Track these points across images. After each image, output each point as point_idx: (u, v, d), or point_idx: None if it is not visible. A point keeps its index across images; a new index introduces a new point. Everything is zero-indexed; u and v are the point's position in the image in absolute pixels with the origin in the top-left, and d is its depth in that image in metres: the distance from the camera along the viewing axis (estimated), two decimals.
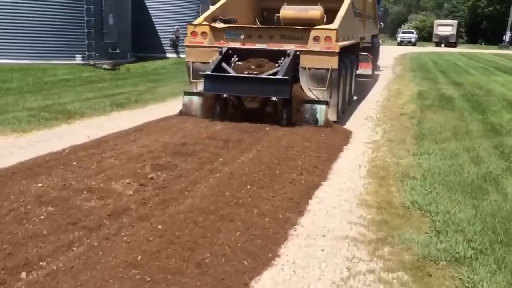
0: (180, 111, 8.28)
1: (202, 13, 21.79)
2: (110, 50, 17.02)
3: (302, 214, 4.28)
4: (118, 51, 17.34)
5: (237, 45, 8.15)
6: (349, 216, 4.29)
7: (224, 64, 7.93)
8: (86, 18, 16.09)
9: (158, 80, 13.15)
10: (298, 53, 7.79)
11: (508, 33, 49.86)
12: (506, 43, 49.06)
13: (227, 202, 4.36)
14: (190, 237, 3.66)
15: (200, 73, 7.86)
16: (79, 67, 15.14)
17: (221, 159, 5.61)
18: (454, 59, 27.79)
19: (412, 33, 55.06)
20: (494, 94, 12.06)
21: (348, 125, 8.14)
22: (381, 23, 16.63)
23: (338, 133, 7.40)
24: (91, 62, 16.00)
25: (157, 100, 10.14)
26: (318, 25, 8.28)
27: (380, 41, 18.08)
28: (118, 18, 17.46)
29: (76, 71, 14.24)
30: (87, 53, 16.25)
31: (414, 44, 51.06)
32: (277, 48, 7.92)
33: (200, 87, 8.06)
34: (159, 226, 3.81)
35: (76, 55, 16.17)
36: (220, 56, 8.01)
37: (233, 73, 7.79)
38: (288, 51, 7.77)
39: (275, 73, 7.58)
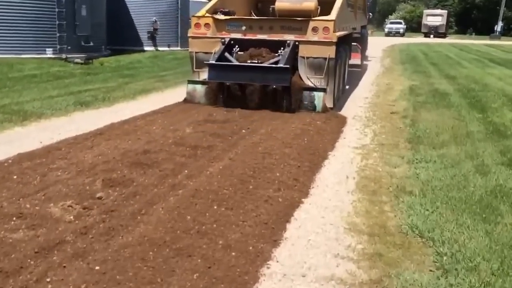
0: (185, 99, 8.72)
1: (181, 5, 21.05)
2: (83, 43, 16.06)
3: (277, 244, 3.55)
4: (91, 44, 16.38)
5: (238, 35, 8.57)
6: (335, 246, 3.58)
7: (226, 54, 8.38)
8: (57, 9, 15.08)
9: (131, 75, 12.31)
10: (297, 43, 8.20)
11: (500, 23, 49.53)
12: (497, 33, 48.73)
13: (187, 229, 3.61)
14: (134, 283, 2.92)
15: (205, 62, 8.33)
16: (49, 61, 14.18)
17: (186, 171, 4.86)
18: (445, 50, 27.24)
19: (400, 23, 54.57)
20: (491, 89, 11.43)
21: (335, 127, 7.42)
22: (370, 14, 16.78)
23: (323, 135, 6.68)
24: (63, 56, 15.06)
25: (127, 98, 9.33)
26: (313, 16, 8.47)
27: (368, 32, 17.68)
28: (91, 9, 16.48)
29: (45, 66, 13.31)
30: (58, 46, 15.27)
31: (402, 35, 50.59)
32: (277, 39, 8.33)
33: (202, 76, 8.59)
34: (97, 267, 3.07)
35: (47, 49, 15.18)
36: (223, 46, 8.43)
37: (235, 62, 8.25)
38: (288, 41, 8.20)
39: (275, 62, 7.99)
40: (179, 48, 20.51)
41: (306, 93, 8.10)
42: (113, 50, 17.98)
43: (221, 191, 4.37)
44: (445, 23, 51.46)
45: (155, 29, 19.53)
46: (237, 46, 8.54)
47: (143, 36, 19.80)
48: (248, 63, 8.17)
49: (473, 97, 10.09)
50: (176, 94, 9.83)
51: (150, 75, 12.51)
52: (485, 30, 54.58)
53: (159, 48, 19.92)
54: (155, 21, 19.44)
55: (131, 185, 4.39)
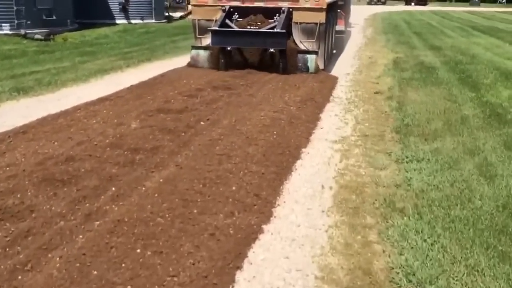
0: (188, 63, 9.00)
1: None
2: (44, 17, 14.41)
3: None
4: (54, 18, 14.72)
5: (237, 3, 8.86)
6: None
7: (227, 21, 8.64)
8: None
9: (92, 53, 10.83)
10: (291, 10, 8.56)
11: None
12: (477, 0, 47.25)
13: None
14: None
15: (208, 28, 8.56)
16: (4, 38, 12.58)
17: (114, 189, 3.61)
18: (427, 18, 25.88)
19: None
20: (480, 60, 10.23)
21: (311, 111, 6.17)
22: None
23: (296, 126, 5.44)
24: (21, 31, 13.46)
25: (78, 81, 7.93)
26: None
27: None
28: None
29: None
30: (16, 21, 13.65)
31: (384, 3, 48.86)
32: (272, 6, 8.67)
33: (204, 42, 8.91)
34: None
35: (3, 24, 13.55)
36: (224, 14, 8.71)
37: (236, 29, 8.53)
38: (283, 8, 8.56)
39: (272, 28, 8.37)
40: (153, 21, 18.86)
41: (300, 55, 8.47)
42: (82, 24, 16.32)
43: (153, 220, 3.16)
44: None
45: (127, 1, 17.80)
46: (236, 13, 8.85)
47: (115, 8, 18.08)
48: (248, 29, 8.52)
49: (463, 72, 8.89)
50: (137, 74, 8.49)
51: (113, 52, 11.05)
52: None
53: (132, 21, 18.24)
54: None
55: (28, 217, 3.14)
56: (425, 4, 48.03)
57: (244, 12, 8.82)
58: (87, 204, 3.36)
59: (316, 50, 8.56)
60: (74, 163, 4.06)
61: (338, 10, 12.15)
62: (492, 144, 4.81)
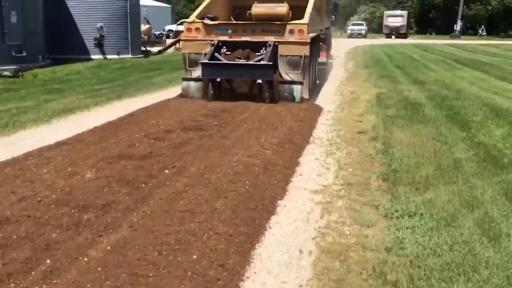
0: (180, 94, 9.49)
1: (131, 9, 18.99)
2: (14, 54, 13.93)
3: None
4: (24, 54, 14.24)
5: (225, 38, 9.40)
6: None
7: (216, 54, 9.16)
8: None
9: (60, 91, 10.29)
10: (276, 43, 9.13)
11: (459, 22, 49.10)
12: (457, 32, 48.28)
13: None
14: None
15: (199, 61, 9.09)
16: None
17: (48, 261, 3.02)
18: (408, 51, 26.06)
19: (362, 25, 53.58)
20: (467, 96, 9.97)
21: (289, 155, 5.69)
22: (333, 16, 18.03)
23: (272, 172, 4.94)
24: None
25: (39, 122, 7.35)
26: (285, 20, 9.40)
27: (338, 33, 19.71)
28: (23, 16, 14.31)
29: None
30: None
31: (364, 36, 49.62)
32: (259, 40, 9.23)
33: (194, 74, 9.44)
34: None
35: None
36: (213, 48, 9.22)
37: (225, 61, 9.06)
38: (269, 42, 9.12)
39: (259, 60, 8.90)
40: (129, 56, 18.50)
41: (286, 86, 9.04)
42: (55, 60, 15.84)
43: None
44: (405, 23, 50.78)
45: (102, 36, 17.44)
46: (224, 47, 9.36)
47: (90, 43, 17.69)
48: (236, 61, 9.05)
49: (450, 108, 8.56)
50: (104, 113, 7.98)
51: (82, 89, 10.52)
52: (445, 29, 54.27)
53: (108, 56, 17.84)
54: (101, 27, 17.35)
55: None
56: (405, 37, 48.93)
57: (232, 46, 9.36)
58: (11, 285, 2.76)
59: (302, 80, 9.10)
60: (8, 226, 3.46)
61: (320, 43, 12.77)
62: (491, 194, 4.35)
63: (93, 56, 17.57)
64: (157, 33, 38.83)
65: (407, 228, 3.66)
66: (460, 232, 3.58)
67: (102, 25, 17.32)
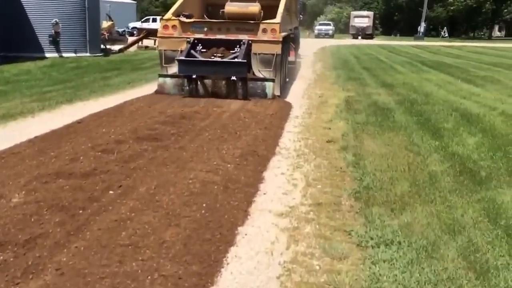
0: (156, 90, 9.61)
1: (90, 4, 18.03)
2: None
3: None
4: None
5: (201, 36, 9.67)
6: None
7: (192, 51, 9.42)
8: None
9: (3, 93, 9.33)
10: (250, 42, 9.44)
11: (423, 24, 49.85)
12: (421, 34, 49.01)
13: None
14: None
15: (176, 58, 9.29)
16: None
17: None
18: (375, 52, 26.03)
19: (329, 25, 53.78)
20: (436, 100, 9.70)
21: (252, 169, 5.16)
22: (301, 16, 18.20)
23: (233, 192, 4.40)
24: None
25: None
26: (257, 19, 9.70)
27: (306, 34, 21.21)
28: None
29: None
30: None
31: (331, 36, 49.77)
32: (233, 38, 9.53)
33: (170, 70, 9.63)
34: None
35: None
36: (189, 45, 9.47)
37: (201, 58, 9.34)
38: (243, 41, 9.43)
39: (234, 58, 9.20)
40: (87, 54, 17.54)
41: (258, 83, 9.38)
42: (6, 58, 14.75)
43: None
44: (371, 24, 51.26)
45: (57, 33, 16.43)
46: (200, 45, 9.59)
47: (44, 40, 16.65)
48: (212, 58, 9.35)
49: (420, 114, 8.24)
50: (50, 119, 7.23)
51: (30, 91, 9.67)
52: (409, 31, 55.10)
53: (64, 55, 16.85)
54: (56, 23, 16.34)
55: None
56: (371, 38, 49.33)
57: (207, 43, 9.65)
58: None
59: (273, 78, 9.46)
60: None
61: (290, 43, 13.00)
62: (472, 216, 3.95)
63: (47, 54, 16.54)
64: (120, 30, 37.66)
65: (384, 261, 3.19)
66: (443, 266, 3.14)
67: (58, 20, 16.31)
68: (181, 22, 9.72)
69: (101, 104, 8.60)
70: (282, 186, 4.74)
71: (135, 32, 34.65)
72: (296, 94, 10.69)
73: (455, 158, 5.59)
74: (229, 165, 5.09)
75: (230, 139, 6.20)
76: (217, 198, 4.18)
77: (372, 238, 3.54)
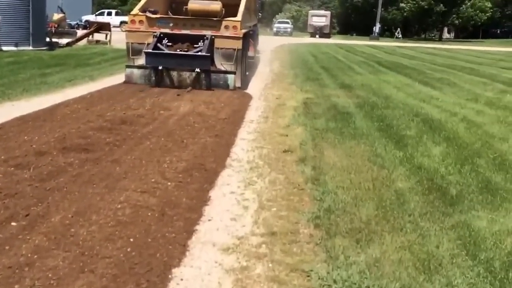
0: (124, 81, 10.10)
1: None
2: None
3: None
4: None
5: (167, 30, 10.23)
6: None
7: (159, 45, 9.95)
8: None
9: None
10: (213, 37, 10.03)
11: (378, 25, 50.38)
12: (376, 34, 49.51)
13: None
14: None
15: (144, 50, 9.86)
16: None
17: None
18: (333, 52, 25.75)
19: (288, 23, 53.45)
20: (396, 104, 9.24)
21: (197, 188, 4.40)
22: (260, 14, 19.71)
23: (170, 218, 3.62)
24: None
25: None
26: (219, 16, 10.38)
27: (266, 30, 21.76)
28: None
29: None
30: None
31: (290, 34, 49.40)
32: (197, 33, 10.13)
33: (137, 62, 10.14)
34: None
35: None
36: (156, 39, 10.00)
37: (168, 51, 9.93)
38: (206, 36, 10.01)
39: (198, 52, 9.84)
40: (30, 48, 16.13)
41: (221, 75, 10.03)
42: None
43: None
44: (329, 23, 51.36)
45: None
46: (166, 39, 10.14)
47: None
48: (178, 52, 9.99)
49: (381, 119, 7.71)
50: None
51: None
52: (364, 31, 55.62)
53: (4, 48, 15.36)
54: None
55: None
56: (329, 37, 49.38)
57: (172, 38, 10.20)
58: None
59: (235, 71, 10.09)
60: None
61: (250, 40, 13.42)
62: (448, 247, 3.36)
63: None
64: (73, 23, 35.75)
65: None
66: None
67: None
68: (148, 17, 10.27)
69: (33, 105, 7.57)
70: (230, 209, 4.00)
71: (87, 26, 32.84)
72: (253, 95, 9.98)
73: (421, 172, 5.03)
74: (169, 183, 4.31)
75: (175, 149, 5.41)
76: (149, 229, 3.40)
77: (335, 282, 2.88)
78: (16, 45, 15.71)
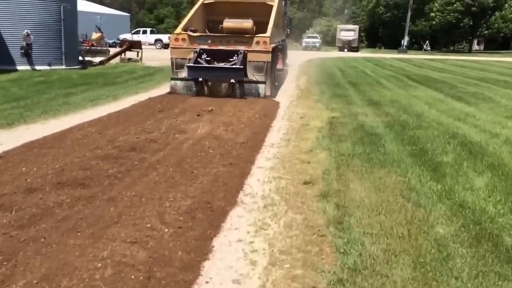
0: (169, 91, 11.14)
1: (65, 15, 16.37)
2: None
3: None
4: None
5: (205, 47, 11.20)
6: None
7: (199, 59, 11.00)
8: None
9: None
10: (246, 51, 10.97)
11: (406, 38, 48.75)
12: (404, 47, 47.88)
13: None
14: None
15: (186, 65, 10.99)
16: None
17: None
18: (361, 65, 24.65)
19: (316, 37, 52.46)
20: (429, 122, 8.23)
21: (198, 236, 3.61)
22: (288, 30, 19.89)
23: None
24: None
25: None
26: (250, 33, 11.29)
27: (293, 44, 22.56)
28: None
29: None
30: None
31: (318, 49, 48.39)
32: (232, 49, 11.09)
33: (180, 75, 11.24)
34: None
35: None
36: (196, 54, 11.03)
37: (207, 65, 10.95)
38: (240, 51, 10.98)
39: (233, 65, 10.82)
40: (63, 67, 15.90)
41: (253, 85, 10.83)
42: None
43: None
44: (357, 37, 50.08)
45: (28, 44, 14.79)
46: (205, 54, 11.02)
47: (16, 52, 14.99)
48: (215, 65, 10.92)
49: (413, 142, 6.75)
50: None
51: None
52: (392, 44, 54.07)
53: (37, 67, 15.20)
54: (27, 35, 14.69)
55: None
56: (357, 51, 48.12)
57: (211, 53, 11.11)
58: None
59: (265, 81, 10.93)
60: None
61: (278, 53, 14.58)
62: None
63: (19, 67, 14.89)
64: (110, 41, 36.01)
65: None
66: None
67: (29, 32, 14.68)
68: (189, 36, 11.26)
69: (48, 128, 7.02)
70: (235, 265, 3.19)
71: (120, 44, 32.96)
72: (276, 114, 9.18)
73: (465, 212, 4.09)
74: (166, 230, 3.54)
75: (182, 182, 4.66)
76: None
77: None
78: (49, 64, 15.51)
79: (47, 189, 4.20)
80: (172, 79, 11.23)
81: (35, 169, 4.81)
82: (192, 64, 10.79)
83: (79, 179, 4.48)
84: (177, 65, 11.22)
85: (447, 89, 13.86)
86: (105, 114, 8.18)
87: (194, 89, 10.82)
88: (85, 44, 22.99)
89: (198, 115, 8.41)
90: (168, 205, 4.03)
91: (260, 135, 7.17)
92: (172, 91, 11.04)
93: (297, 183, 4.93)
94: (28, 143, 5.96)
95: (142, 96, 10.77)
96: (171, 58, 11.31)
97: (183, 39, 11.22)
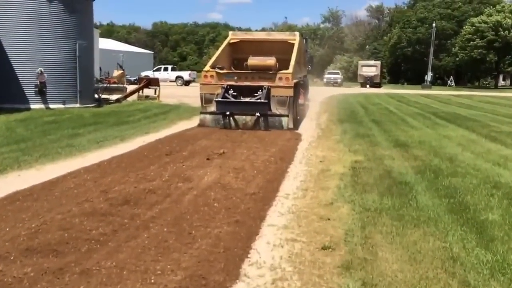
0: (198, 124, 12.01)
1: (81, 52, 16.27)
2: None
3: None
4: None
5: (232, 83, 12.14)
6: None
7: (226, 94, 11.92)
8: None
9: None
10: (269, 87, 11.80)
11: (430, 73, 47.97)
12: (428, 82, 47.03)
13: None
14: None
15: (215, 100, 11.82)
16: None
17: None
18: (384, 102, 23.91)
19: (338, 73, 52.19)
20: (464, 168, 7.36)
21: None
22: (309, 66, 21.45)
23: None
24: None
25: None
26: (273, 70, 12.32)
27: (313, 80, 23.37)
28: None
29: None
30: None
31: (340, 85, 47.96)
32: (257, 84, 11.97)
33: (209, 109, 12.04)
34: None
35: None
36: (224, 90, 11.96)
37: (233, 99, 11.94)
38: (264, 86, 11.84)
39: (258, 99, 11.79)
40: (77, 105, 15.65)
41: (276, 118, 11.72)
42: None
43: None
44: (379, 73, 49.55)
45: (42, 83, 14.61)
46: (231, 89, 11.96)
47: (30, 91, 14.82)
48: (242, 99, 11.92)
49: (450, 194, 5.87)
50: None
51: None
52: (415, 79, 53.29)
53: (52, 106, 14.97)
54: (41, 73, 14.53)
55: None
56: (379, 87, 47.47)
57: (237, 88, 11.94)
58: None
59: (287, 114, 11.71)
60: None
61: (300, 88, 14.91)
62: None
63: (33, 106, 14.68)
64: (132, 78, 36.37)
65: None
66: None
67: (42, 70, 14.51)
68: (217, 73, 12.10)
69: (41, 175, 6.44)
70: None
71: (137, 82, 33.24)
72: (294, 157, 8.45)
73: None
74: None
75: (176, 248, 3.92)
76: None
77: None
78: (63, 102, 15.28)
79: (12, 258, 3.52)
80: (201, 113, 12.07)
81: (7, 229, 4.16)
82: (220, 99, 11.64)
83: (53, 244, 3.79)
84: (206, 100, 11.99)
85: (479, 128, 12.94)
86: (107, 158, 7.60)
87: (222, 122, 11.61)
88: (106, 81, 23.02)
89: (207, 159, 7.76)
90: (153, 280, 3.29)
91: (274, 183, 6.42)
92: (202, 124, 11.86)
93: (314, 248, 4.13)
94: (12, 194, 5.36)
95: (152, 137, 10.23)
96: (200, 93, 12.11)
97: (212, 76, 12.07)
